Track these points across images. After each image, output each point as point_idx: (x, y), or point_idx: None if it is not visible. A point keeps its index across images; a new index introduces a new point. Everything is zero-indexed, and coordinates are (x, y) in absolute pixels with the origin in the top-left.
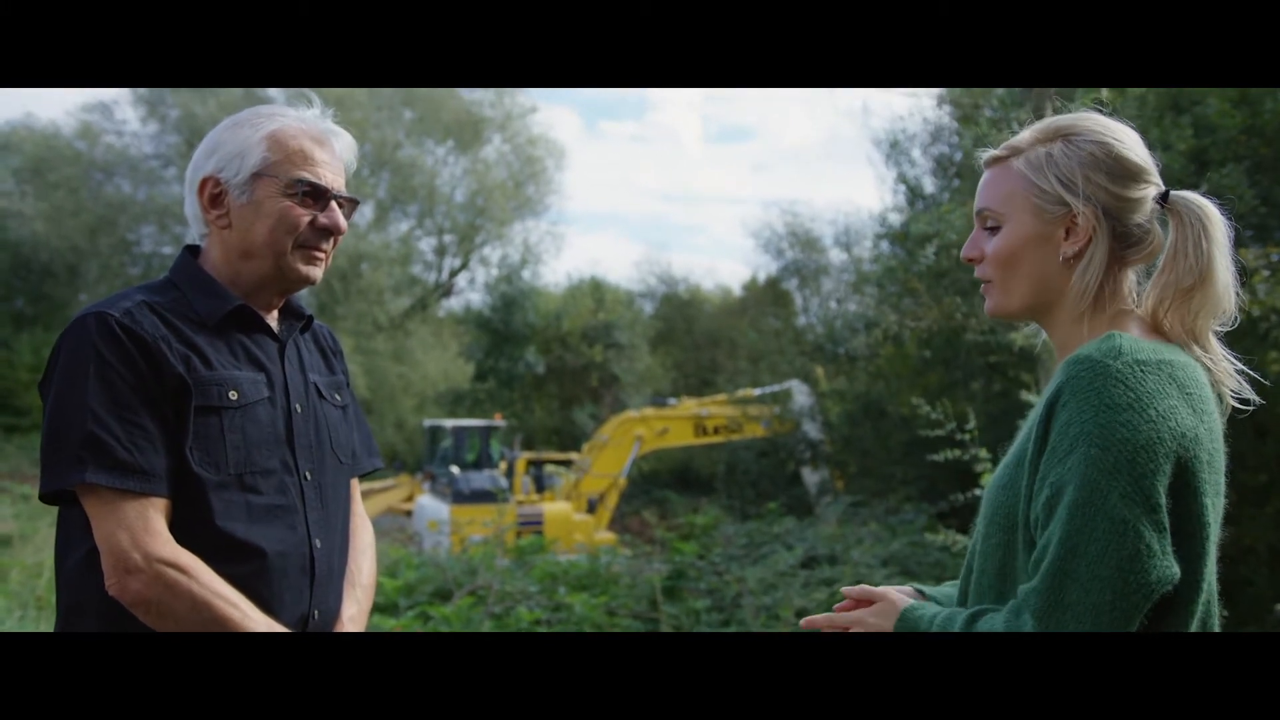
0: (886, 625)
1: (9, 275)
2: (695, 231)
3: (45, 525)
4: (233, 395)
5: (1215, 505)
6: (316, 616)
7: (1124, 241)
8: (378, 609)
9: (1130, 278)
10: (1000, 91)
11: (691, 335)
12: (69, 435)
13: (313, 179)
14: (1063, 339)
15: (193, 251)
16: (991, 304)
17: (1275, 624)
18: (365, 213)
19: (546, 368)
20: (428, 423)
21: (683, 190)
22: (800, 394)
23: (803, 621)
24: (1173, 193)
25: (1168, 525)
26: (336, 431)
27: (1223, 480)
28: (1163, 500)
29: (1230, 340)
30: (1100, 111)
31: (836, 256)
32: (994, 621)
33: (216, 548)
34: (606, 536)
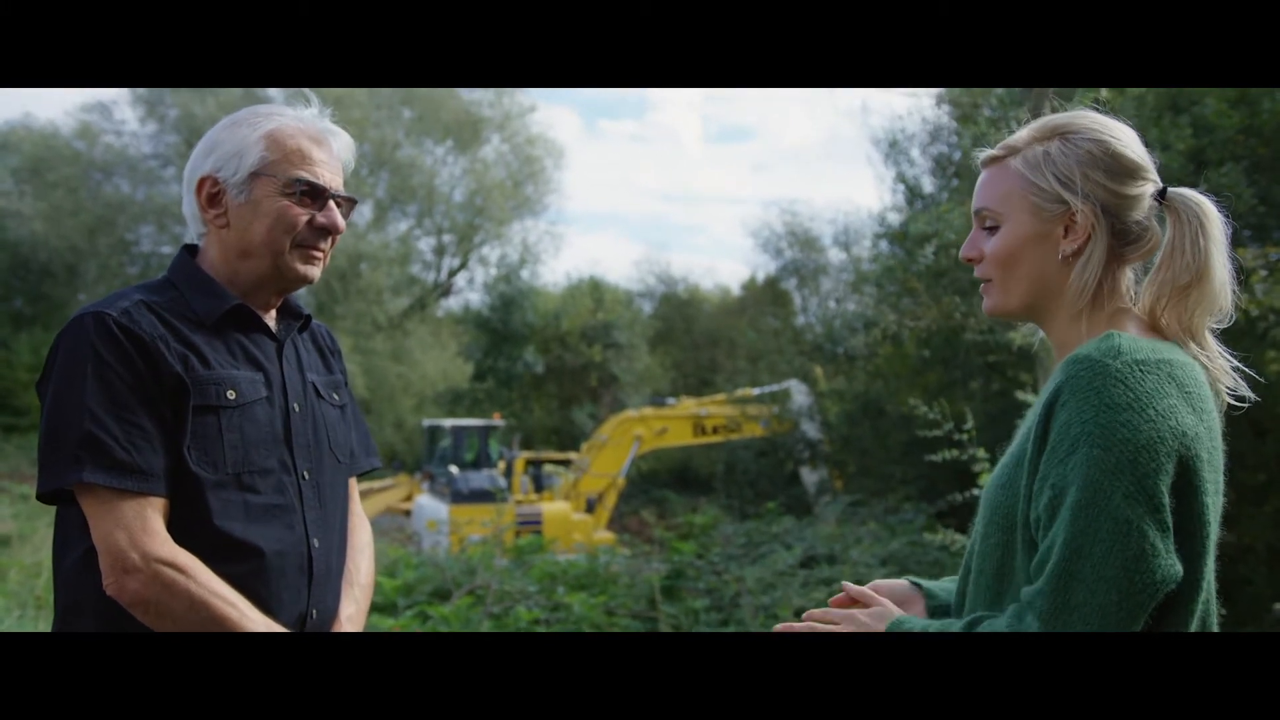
0: (879, 626)
1: (8, 275)
2: (695, 231)
3: (44, 525)
4: (231, 394)
5: (1215, 504)
6: (314, 616)
7: (1122, 239)
8: (376, 608)
9: (1128, 275)
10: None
11: (690, 335)
12: (67, 435)
13: (311, 178)
14: (1061, 337)
15: (191, 251)
16: (990, 303)
17: (1274, 623)
18: (364, 212)
19: (545, 367)
20: (426, 422)
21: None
22: (799, 394)
23: (778, 627)
24: (1170, 189)
25: (1171, 524)
26: (334, 431)
27: (1222, 479)
28: (1166, 500)
29: (1229, 340)
30: (1096, 109)
31: (835, 256)
32: (995, 625)
33: (214, 547)
34: (605, 536)
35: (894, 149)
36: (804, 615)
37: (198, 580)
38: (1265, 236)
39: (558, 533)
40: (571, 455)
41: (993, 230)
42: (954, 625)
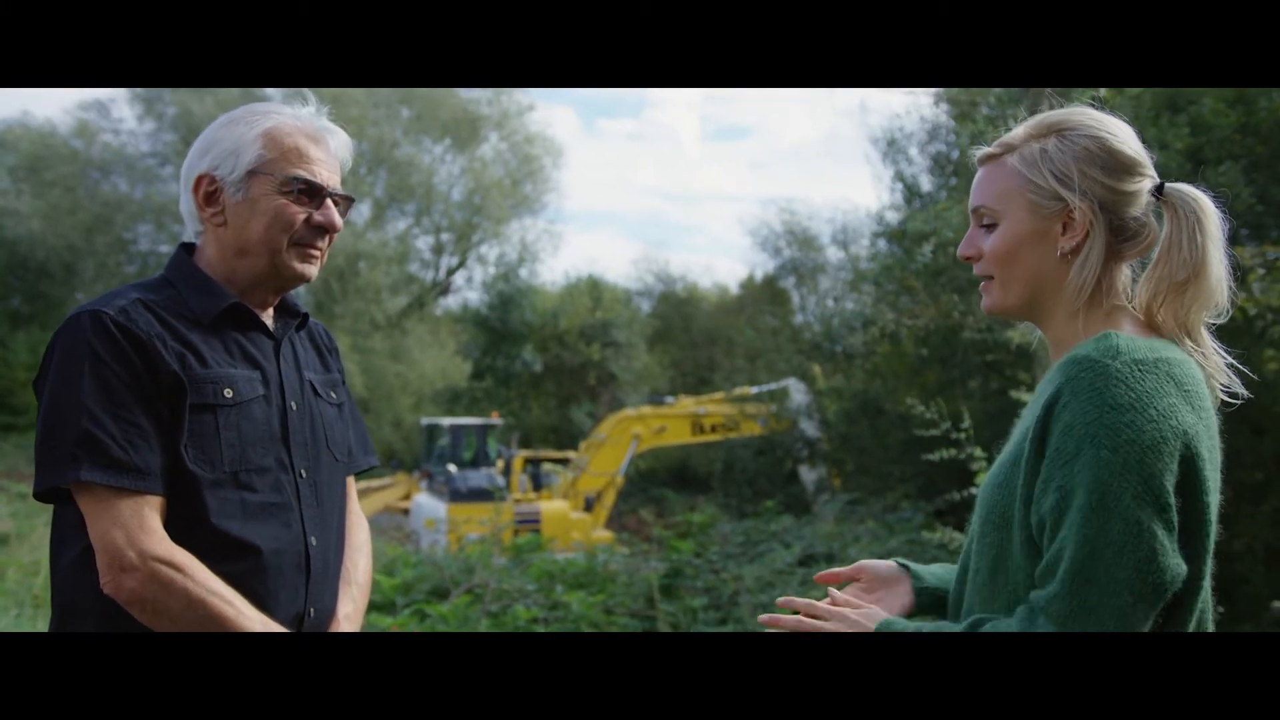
0: (868, 626)
1: (5, 274)
2: (693, 230)
3: (42, 524)
4: (228, 393)
5: (1215, 503)
6: (312, 614)
7: (1120, 235)
8: (375, 607)
9: (1125, 273)
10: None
11: (689, 334)
12: (64, 433)
13: (308, 177)
14: (1058, 335)
15: (188, 249)
16: (989, 301)
17: (1271, 622)
18: (363, 211)
19: (544, 366)
20: (425, 421)
21: (681, 189)
22: (797, 392)
23: (762, 618)
24: (1167, 185)
25: (1176, 524)
26: (332, 429)
27: (1219, 477)
28: (1172, 499)
29: (1227, 338)
30: (1093, 106)
31: (834, 255)
32: (1002, 627)
33: (212, 545)
34: (604, 535)
35: (892, 148)
36: (781, 602)
37: (195, 579)
38: (1263, 235)
39: (556, 531)
40: (570, 454)
41: (990, 228)
42: (952, 626)
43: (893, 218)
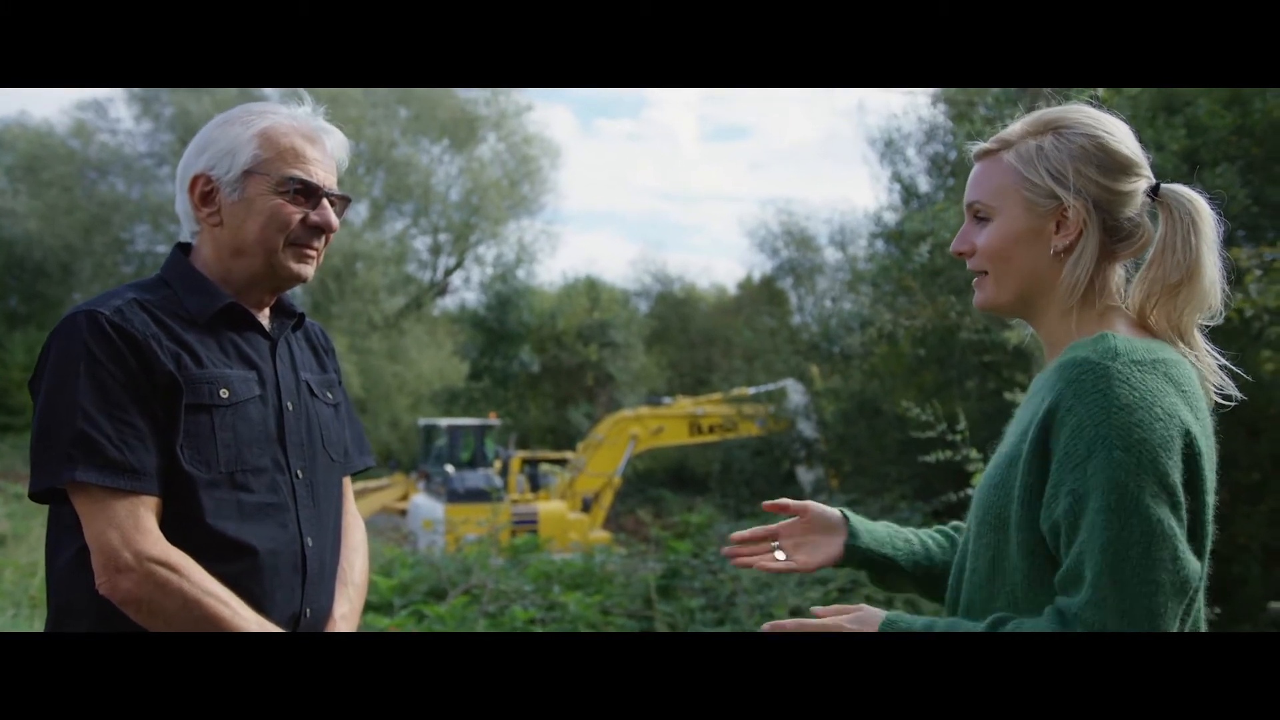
0: (871, 626)
1: (2, 274)
2: (691, 230)
3: (39, 524)
4: (224, 393)
5: (1212, 503)
6: (308, 615)
7: (1114, 235)
8: (372, 608)
9: (1119, 273)
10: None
11: (687, 334)
12: (59, 433)
13: (304, 177)
14: (1051, 334)
15: (184, 249)
16: (982, 297)
17: (1269, 622)
18: (360, 211)
19: (541, 367)
20: (422, 422)
21: (679, 189)
22: (795, 393)
23: (766, 626)
24: (1163, 186)
25: (1186, 522)
26: (328, 430)
27: (1215, 477)
28: (1182, 497)
29: (1224, 340)
30: (1091, 104)
31: (832, 255)
32: (1027, 627)
33: (207, 546)
34: (601, 535)
35: (890, 148)
36: (767, 626)
37: (191, 579)
38: (1259, 236)
39: (553, 532)
40: (567, 454)
41: (985, 224)
42: (967, 625)
43: (890, 218)
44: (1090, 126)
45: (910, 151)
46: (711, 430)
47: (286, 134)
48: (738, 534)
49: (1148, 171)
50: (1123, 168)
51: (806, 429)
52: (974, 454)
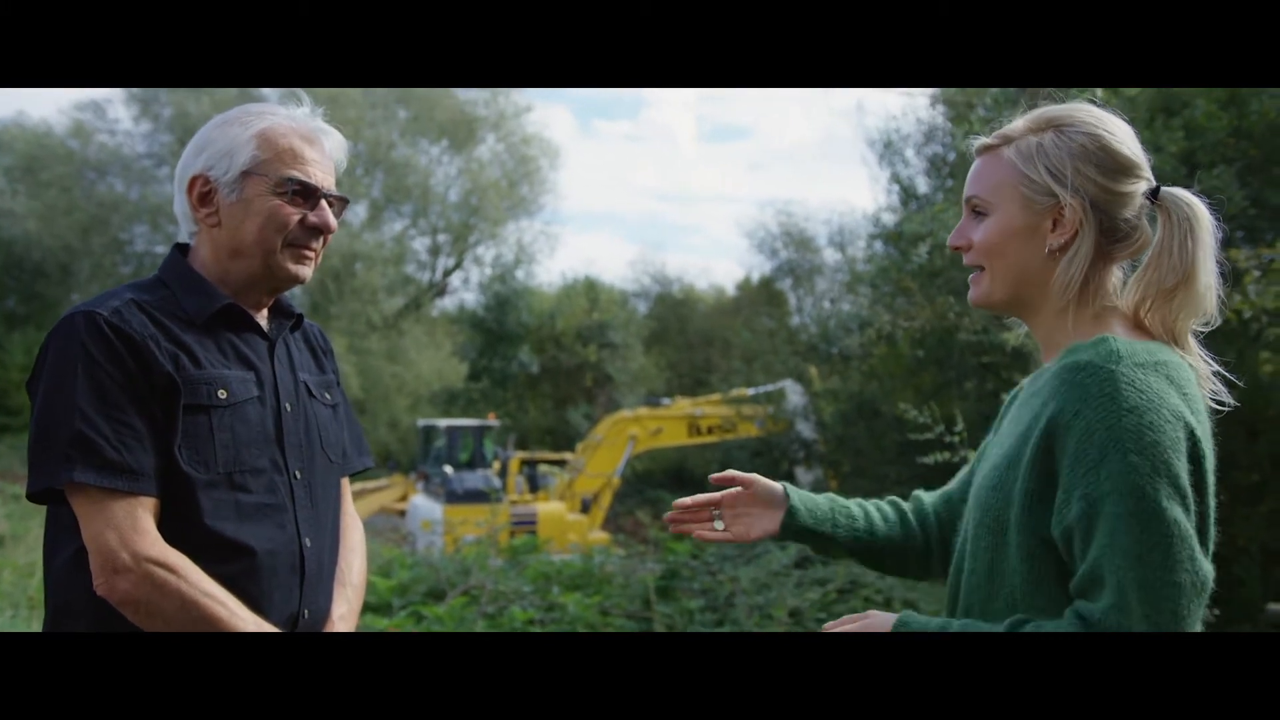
0: (884, 627)
1: (1, 274)
2: (690, 231)
3: (37, 525)
4: (222, 394)
5: (1214, 504)
6: (306, 616)
7: (1111, 236)
8: (371, 609)
9: (1116, 274)
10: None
11: (685, 335)
12: (57, 434)
13: (302, 178)
14: (1046, 334)
15: (182, 250)
16: (976, 293)
17: (1268, 624)
18: (359, 212)
19: (540, 367)
20: (421, 422)
21: (677, 189)
22: (794, 394)
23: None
24: (1163, 189)
25: (1195, 523)
26: (326, 430)
27: (1215, 479)
28: (1192, 499)
29: (1222, 341)
30: (1095, 103)
31: (830, 256)
32: (1048, 628)
33: (205, 547)
34: (600, 536)
35: (889, 149)
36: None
37: (189, 580)
38: (1257, 238)
39: (552, 533)
40: (566, 455)
41: (982, 218)
42: (984, 627)
43: (889, 219)
44: (1092, 125)
45: (909, 152)
46: (710, 431)
47: (285, 135)
48: (680, 500)
49: (1148, 174)
50: (1123, 168)
51: (805, 430)
52: (972, 455)
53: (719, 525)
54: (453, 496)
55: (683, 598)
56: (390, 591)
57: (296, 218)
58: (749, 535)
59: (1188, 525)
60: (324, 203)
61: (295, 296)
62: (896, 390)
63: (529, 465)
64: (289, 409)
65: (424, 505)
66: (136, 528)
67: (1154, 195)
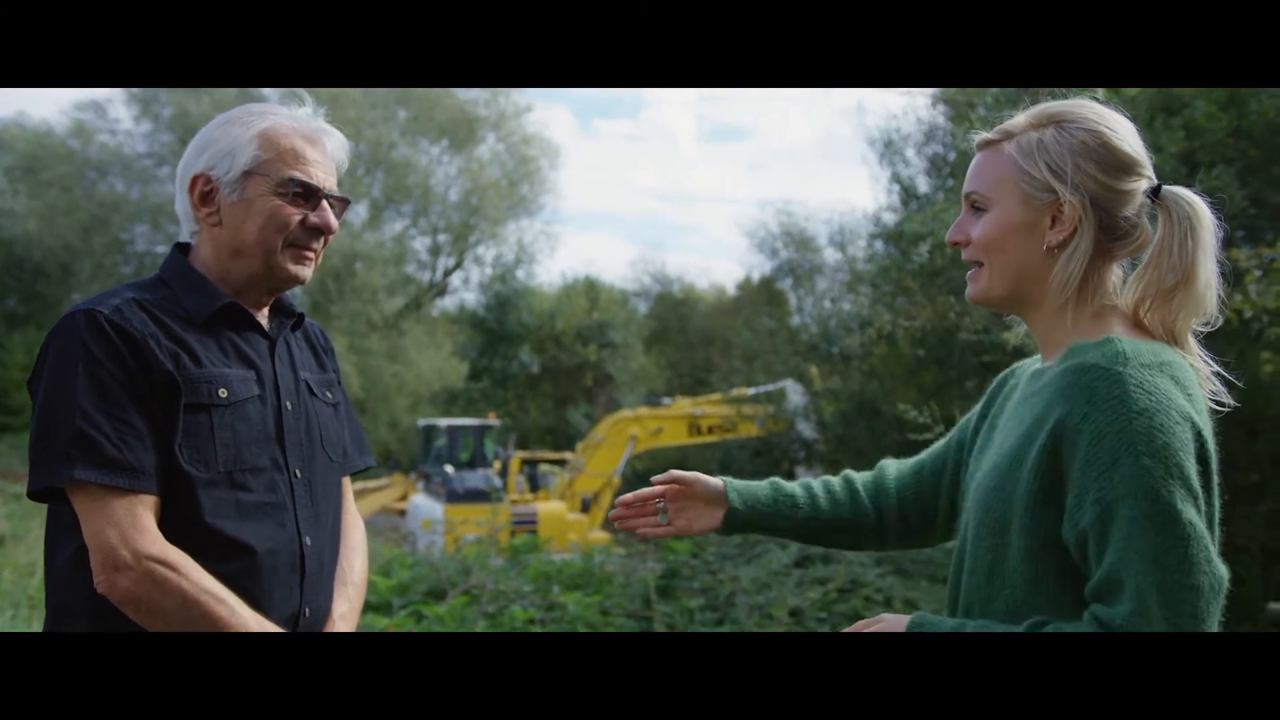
0: (898, 627)
1: (1, 274)
2: (690, 231)
3: (38, 524)
4: (222, 393)
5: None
6: (307, 614)
7: (1111, 234)
8: (371, 608)
9: (1116, 272)
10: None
11: (686, 335)
12: (58, 432)
13: (304, 178)
14: (1045, 331)
15: (183, 249)
16: (974, 289)
17: (1268, 623)
18: (360, 212)
19: (541, 367)
20: (422, 422)
21: (677, 189)
22: (794, 393)
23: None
24: (1165, 188)
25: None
26: (327, 429)
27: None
28: (1203, 499)
29: (1223, 341)
30: (1097, 101)
31: (831, 256)
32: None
33: (206, 545)
34: (600, 536)
35: (889, 149)
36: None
37: (189, 578)
38: (1258, 237)
39: (553, 532)
40: (567, 455)
41: (981, 214)
42: (1000, 627)
43: (889, 219)
44: (1094, 122)
45: (909, 152)
46: (711, 431)
47: (287, 135)
48: (623, 497)
49: (1149, 172)
50: (1123, 166)
51: (806, 430)
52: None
53: (664, 520)
54: (453, 496)
55: (683, 597)
56: (391, 591)
57: (298, 218)
58: (693, 529)
59: (1202, 527)
60: (325, 203)
61: (296, 296)
62: (897, 390)
63: (529, 465)
64: (290, 408)
65: (424, 505)
66: (137, 525)
67: (1155, 194)
